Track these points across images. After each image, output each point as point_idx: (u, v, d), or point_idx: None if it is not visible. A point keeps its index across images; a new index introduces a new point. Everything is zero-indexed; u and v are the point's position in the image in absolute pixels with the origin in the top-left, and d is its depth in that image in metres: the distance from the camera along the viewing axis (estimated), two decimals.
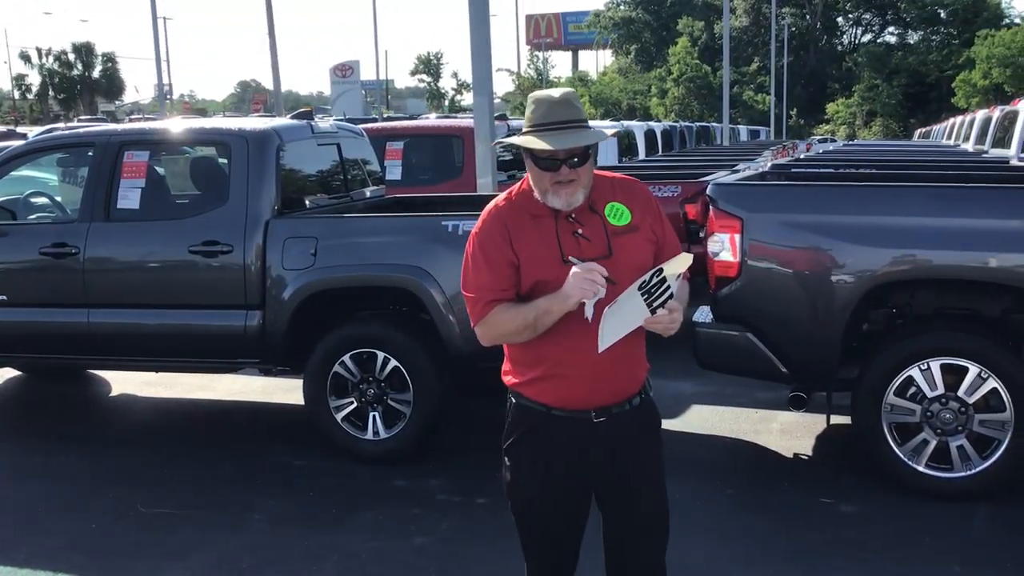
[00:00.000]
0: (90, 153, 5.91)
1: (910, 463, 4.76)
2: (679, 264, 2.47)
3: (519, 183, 2.71)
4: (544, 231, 2.58)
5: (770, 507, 4.74)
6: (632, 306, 2.46)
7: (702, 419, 6.11)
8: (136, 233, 5.76)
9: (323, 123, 6.49)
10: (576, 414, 2.64)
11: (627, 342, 2.56)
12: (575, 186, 2.56)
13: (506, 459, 2.78)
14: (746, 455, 5.60)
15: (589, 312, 2.50)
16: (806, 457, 5.48)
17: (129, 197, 5.75)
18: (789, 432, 5.80)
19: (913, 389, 4.73)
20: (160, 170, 6.30)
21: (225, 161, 5.73)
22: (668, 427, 5.94)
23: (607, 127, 13.68)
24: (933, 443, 4.72)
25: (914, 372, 4.71)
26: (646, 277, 2.45)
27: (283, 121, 6.28)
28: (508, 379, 2.75)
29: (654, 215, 2.70)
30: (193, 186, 6.25)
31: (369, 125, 10.33)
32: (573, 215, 2.59)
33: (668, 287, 2.45)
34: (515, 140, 2.57)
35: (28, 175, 7.42)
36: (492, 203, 2.71)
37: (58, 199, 6.76)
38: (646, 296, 2.45)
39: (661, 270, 2.45)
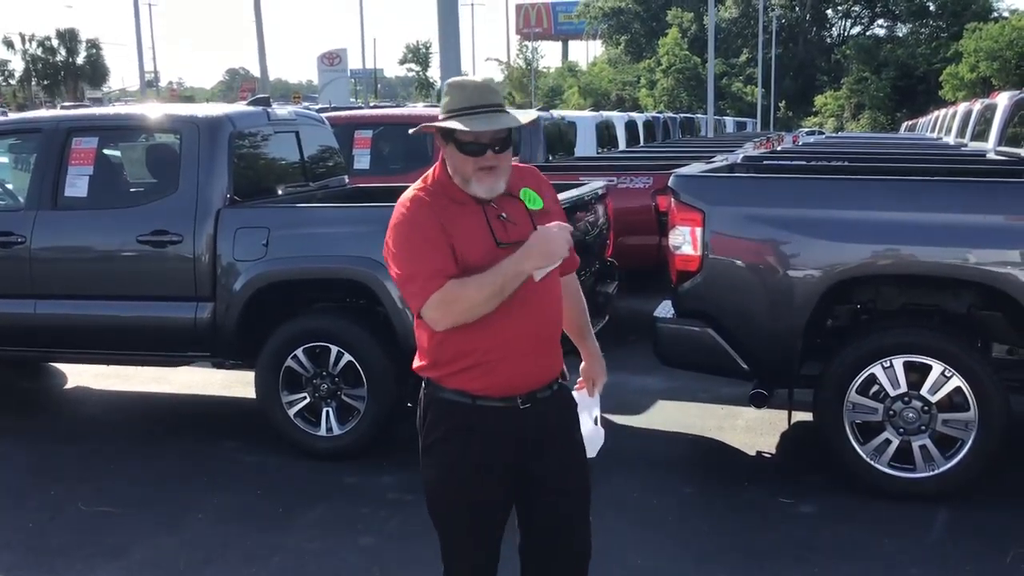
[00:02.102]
0: (37, 139, 5.74)
1: (872, 463, 4.64)
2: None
3: (430, 172, 2.61)
4: (472, 216, 2.53)
5: (728, 506, 4.63)
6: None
7: (666, 415, 6.00)
8: (84, 222, 5.60)
9: (281, 110, 6.32)
10: (502, 402, 2.57)
11: (554, 323, 2.66)
12: (497, 173, 2.51)
13: (428, 459, 2.66)
14: (709, 452, 5.49)
15: (539, 276, 2.49)
16: (769, 455, 5.37)
17: (77, 185, 5.58)
18: (753, 429, 5.69)
19: (876, 387, 4.62)
20: (110, 157, 6.13)
21: (176, 148, 5.57)
22: (632, 423, 5.86)
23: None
24: (896, 442, 4.61)
25: (876, 370, 4.60)
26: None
27: (237, 107, 6.11)
28: (426, 372, 2.64)
29: (555, 199, 2.76)
30: (146, 174, 6.08)
31: (336, 113, 10.17)
32: (494, 201, 2.55)
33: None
34: (442, 124, 2.49)
35: None
36: (410, 192, 2.60)
37: (9, 186, 6.58)
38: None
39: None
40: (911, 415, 4.58)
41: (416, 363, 2.67)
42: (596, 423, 2.90)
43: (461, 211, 2.53)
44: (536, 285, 2.50)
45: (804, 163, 7.05)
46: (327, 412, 5.25)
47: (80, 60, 76.61)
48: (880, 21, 60.32)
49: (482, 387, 2.56)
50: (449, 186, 2.55)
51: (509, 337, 2.52)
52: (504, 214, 2.56)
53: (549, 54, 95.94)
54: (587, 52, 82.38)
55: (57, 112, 6.41)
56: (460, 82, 2.56)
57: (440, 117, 2.52)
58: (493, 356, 2.53)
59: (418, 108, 12.88)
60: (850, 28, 61.98)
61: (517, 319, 2.50)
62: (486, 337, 2.52)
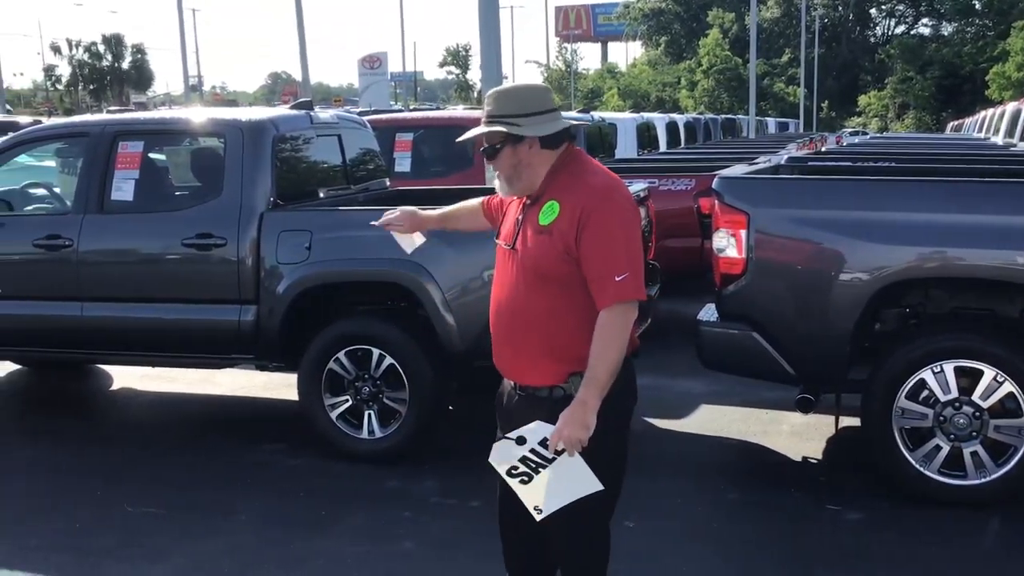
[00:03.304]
0: (84, 143, 5.80)
1: (922, 469, 4.56)
2: (508, 453, 2.62)
3: None
4: (508, 205, 2.90)
5: (774, 512, 4.57)
6: (557, 471, 2.58)
7: (709, 420, 5.93)
8: (130, 225, 5.66)
9: (323, 113, 6.34)
10: (508, 384, 2.83)
11: (538, 327, 2.66)
12: (504, 178, 2.73)
13: None
14: (753, 457, 5.43)
15: (405, 246, 3.27)
16: (815, 461, 5.29)
17: (123, 188, 5.64)
18: (799, 434, 5.61)
19: (925, 392, 4.53)
20: (156, 161, 6.19)
21: (220, 152, 5.61)
22: (674, 428, 5.81)
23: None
24: (946, 449, 4.52)
25: (927, 375, 4.51)
26: (521, 467, 2.62)
27: (280, 111, 6.14)
28: None
29: (579, 228, 2.56)
30: (190, 177, 6.13)
31: (377, 116, 10.20)
32: (529, 201, 2.74)
33: (531, 456, 2.60)
34: (464, 136, 2.85)
35: (33, 164, 7.38)
36: None
37: (56, 190, 6.67)
38: (542, 466, 2.59)
39: (503, 472, 2.66)
40: (962, 421, 4.48)
41: None
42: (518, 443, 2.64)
43: (509, 203, 2.90)
44: (510, 288, 2.71)
45: (850, 164, 6.93)
46: (369, 415, 5.25)
47: (126, 65, 77.89)
48: (925, 20, 59.42)
49: (496, 365, 2.85)
50: None
51: (496, 316, 2.78)
52: (520, 216, 2.75)
53: (588, 56, 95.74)
54: (627, 54, 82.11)
55: (103, 116, 6.49)
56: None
57: None
58: (492, 336, 2.81)
59: (458, 111, 12.87)
60: (894, 27, 61.14)
61: (497, 309, 2.77)
62: (490, 314, 2.83)
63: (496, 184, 2.79)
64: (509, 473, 2.65)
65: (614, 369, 2.55)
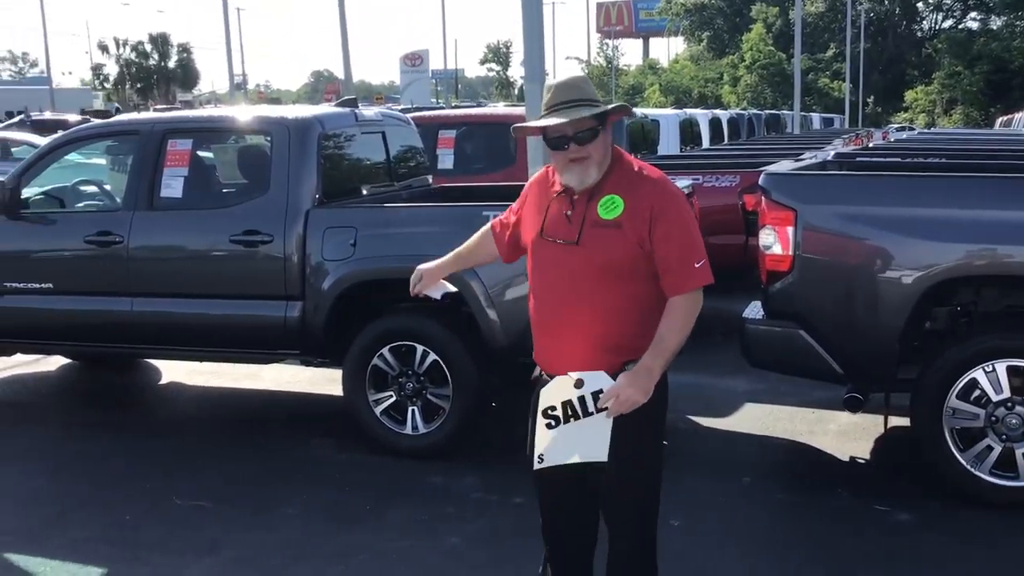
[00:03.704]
0: (134, 141, 5.89)
1: (973, 470, 4.49)
2: (558, 392, 2.64)
3: None
4: (542, 204, 2.83)
5: (820, 513, 4.52)
6: (582, 429, 2.63)
7: (754, 419, 5.88)
8: (178, 222, 5.73)
9: (368, 111, 6.38)
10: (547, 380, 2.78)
11: (602, 309, 2.67)
12: (588, 163, 2.67)
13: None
14: (799, 457, 5.37)
15: (436, 294, 3.23)
16: (863, 461, 5.22)
17: (172, 186, 5.71)
18: (846, 434, 5.54)
19: (977, 392, 4.47)
20: (204, 158, 6.26)
21: (267, 150, 5.66)
22: (718, 426, 5.77)
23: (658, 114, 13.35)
24: (998, 449, 4.45)
25: (978, 374, 4.44)
26: (539, 403, 2.67)
27: (326, 109, 6.18)
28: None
29: (651, 222, 2.67)
30: (237, 175, 6.20)
31: (420, 114, 10.23)
32: (577, 196, 2.73)
33: (585, 401, 2.61)
34: (526, 124, 2.86)
35: (82, 162, 7.49)
36: (545, 167, 2.95)
37: (106, 187, 6.77)
38: (575, 416, 2.62)
39: (537, 398, 2.69)
40: (1014, 421, 4.41)
41: None
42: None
43: (539, 198, 2.86)
44: (568, 283, 2.70)
45: (899, 160, 6.84)
46: (413, 411, 5.28)
47: (172, 64, 78.87)
48: (973, 14, 58.32)
49: (539, 361, 2.86)
50: (553, 174, 2.84)
51: (546, 312, 2.77)
52: (569, 212, 2.73)
53: (630, 52, 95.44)
54: (668, 49, 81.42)
55: (152, 115, 6.57)
56: (549, 83, 2.79)
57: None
58: (537, 329, 2.82)
59: (499, 108, 12.88)
60: (941, 21, 60.09)
61: (548, 305, 2.76)
62: (534, 306, 2.83)
63: (572, 175, 2.70)
64: (544, 412, 2.67)
65: (679, 347, 2.69)
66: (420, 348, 5.21)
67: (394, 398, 5.31)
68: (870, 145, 11.18)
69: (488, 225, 3.20)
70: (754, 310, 5.06)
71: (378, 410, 5.32)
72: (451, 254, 3.30)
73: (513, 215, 3.04)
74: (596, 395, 2.62)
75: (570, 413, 2.64)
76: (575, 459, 2.69)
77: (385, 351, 5.27)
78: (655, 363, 2.64)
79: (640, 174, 2.74)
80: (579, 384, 2.62)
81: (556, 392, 2.66)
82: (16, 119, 26.34)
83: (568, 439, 2.67)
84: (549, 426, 2.67)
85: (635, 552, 2.89)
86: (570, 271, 2.68)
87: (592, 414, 2.62)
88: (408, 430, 5.29)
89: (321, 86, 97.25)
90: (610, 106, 2.74)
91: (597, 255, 2.66)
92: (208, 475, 5.14)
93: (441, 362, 5.17)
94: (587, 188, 2.72)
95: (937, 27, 59.63)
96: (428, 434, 5.26)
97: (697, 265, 2.69)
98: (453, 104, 42.39)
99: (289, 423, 6.13)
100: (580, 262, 2.67)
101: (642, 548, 2.89)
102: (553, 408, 2.66)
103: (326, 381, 6.70)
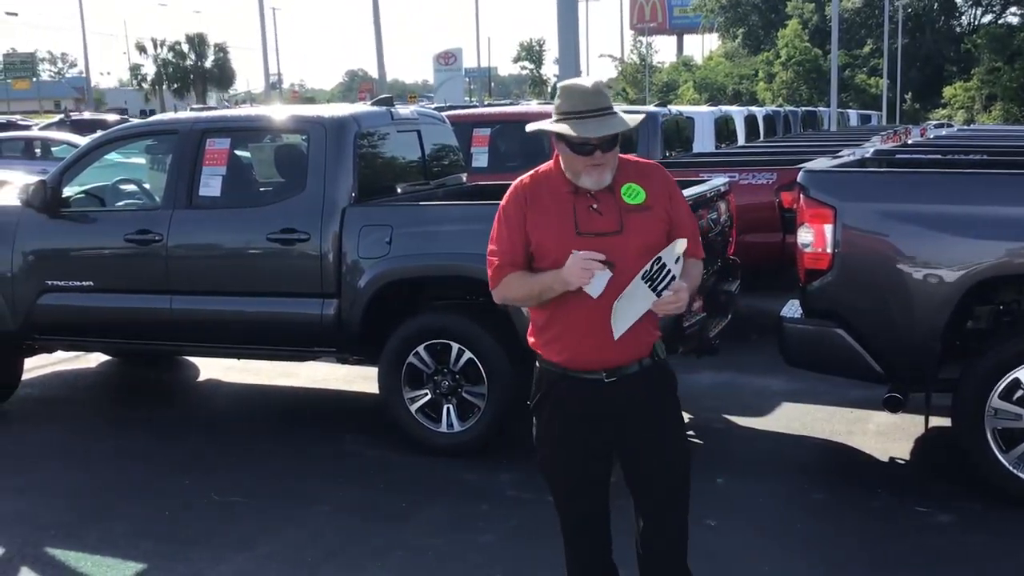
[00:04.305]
0: (174, 140, 5.94)
1: (1015, 471, 4.42)
2: (675, 249, 2.69)
3: (549, 162, 2.91)
4: (561, 205, 2.81)
5: (860, 513, 4.47)
6: (639, 293, 2.68)
7: (792, 418, 5.83)
8: (217, 220, 5.77)
9: (403, 109, 6.39)
10: (588, 375, 2.84)
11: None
12: (605, 168, 2.78)
13: (533, 417, 2.99)
14: (838, 457, 5.32)
15: (594, 292, 2.69)
16: (902, 461, 5.16)
17: (211, 184, 5.75)
18: (885, 434, 5.48)
19: (1020, 392, 4.39)
20: (241, 157, 6.31)
21: (304, 149, 5.69)
22: (755, 426, 5.73)
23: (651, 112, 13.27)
24: None
25: (1021, 374, 4.38)
26: (647, 267, 2.66)
27: (362, 108, 6.20)
28: (531, 340, 2.97)
29: (669, 197, 2.90)
30: (274, 173, 6.24)
31: (455, 112, 10.24)
32: (592, 192, 2.79)
33: (669, 271, 2.68)
34: (553, 127, 2.76)
35: (121, 161, 7.57)
36: (518, 180, 2.93)
37: (146, 186, 6.84)
38: (650, 283, 2.68)
39: (660, 258, 2.67)
40: None
41: (528, 331, 2.99)
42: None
43: (554, 201, 2.82)
44: (616, 271, 2.69)
45: (939, 157, 6.74)
46: (448, 409, 5.29)
47: (209, 64, 79.63)
48: (1013, 8, 57.36)
49: (569, 359, 2.85)
50: (555, 177, 2.85)
51: (591, 315, 2.74)
52: (595, 205, 2.80)
53: (663, 49, 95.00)
54: (702, 46, 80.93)
55: (191, 114, 6.63)
56: (571, 86, 2.81)
57: (553, 119, 2.78)
58: (575, 331, 2.81)
59: (533, 106, 12.87)
60: (980, 16, 59.19)
61: (595, 300, 2.71)
62: (572, 312, 2.79)
63: (590, 178, 2.75)
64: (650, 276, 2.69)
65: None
66: (455, 346, 5.22)
67: (429, 396, 5.32)
68: (909, 142, 11.06)
69: (508, 276, 2.88)
70: (792, 309, 5.01)
71: (413, 408, 5.34)
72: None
73: (520, 240, 2.85)
74: (664, 273, 2.69)
75: (656, 269, 2.68)
76: (626, 317, 2.72)
77: (420, 349, 5.28)
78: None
79: (636, 163, 2.95)
80: (657, 262, 2.68)
81: (670, 251, 2.71)
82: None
83: (633, 295, 2.70)
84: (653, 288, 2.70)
85: (679, 544, 2.95)
86: (613, 260, 2.70)
87: (662, 279, 2.69)
88: (443, 428, 5.30)
89: (355, 85, 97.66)
90: (640, 118, 2.91)
91: (638, 239, 2.78)
92: (244, 472, 5.18)
93: (476, 360, 5.18)
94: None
95: (976, 22, 58.77)
96: (463, 432, 5.27)
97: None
98: (487, 102, 42.44)
99: (325, 421, 6.17)
100: (622, 249, 2.74)
101: (683, 539, 2.95)
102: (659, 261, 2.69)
103: (361, 379, 6.73)
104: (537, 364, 2.96)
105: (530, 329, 2.96)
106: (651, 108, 11.79)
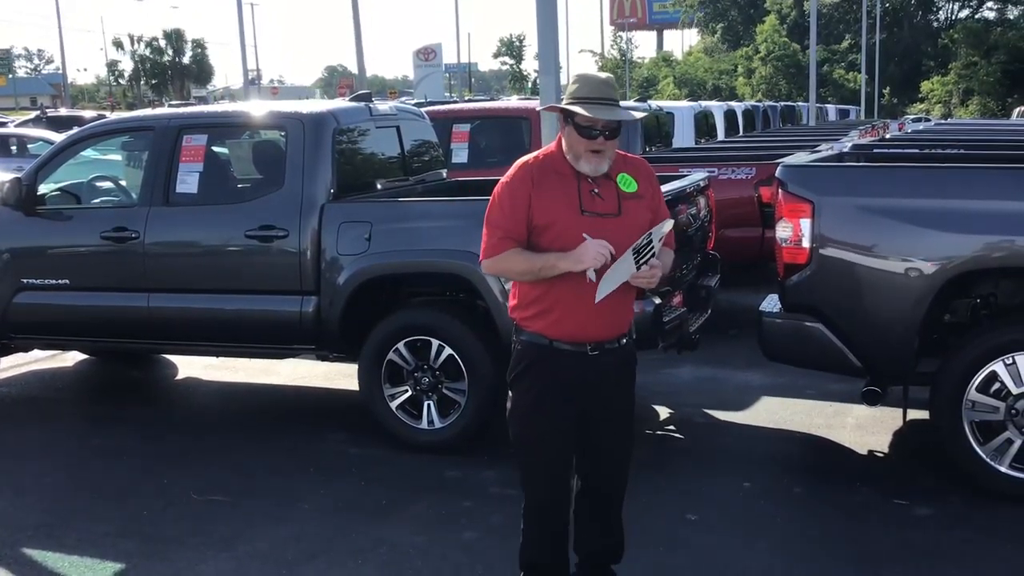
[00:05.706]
0: (150, 137, 5.89)
1: (992, 463, 4.45)
2: (663, 229, 3.01)
3: (551, 145, 3.22)
4: (567, 186, 3.09)
5: (839, 507, 4.49)
6: (625, 265, 2.98)
7: (771, 412, 5.86)
8: (194, 218, 5.74)
9: (382, 105, 6.37)
10: (575, 347, 3.13)
11: (621, 288, 3.04)
12: (603, 156, 3.07)
13: (510, 390, 3.26)
14: (817, 451, 5.35)
15: (592, 275, 3.00)
16: (881, 455, 5.19)
17: (187, 181, 5.72)
18: (864, 427, 5.51)
19: (997, 385, 4.43)
20: (219, 154, 6.26)
21: (282, 145, 5.66)
22: (735, 420, 5.75)
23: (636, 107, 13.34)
24: (1018, 443, 4.42)
25: (998, 367, 4.41)
26: (639, 240, 2.95)
27: (340, 103, 6.18)
28: (515, 314, 3.21)
29: (654, 189, 3.26)
30: (252, 170, 6.20)
31: (434, 108, 10.21)
32: (591, 178, 3.09)
33: (652, 247, 2.98)
34: (570, 107, 3.02)
35: (98, 158, 7.50)
36: (523, 159, 3.18)
37: (122, 183, 6.79)
38: (636, 255, 2.97)
39: (650, 234, 2.97)
40: None
41: (509, 305, 3.26)
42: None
43: (559, 181, 3.10)
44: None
45: (916, 151, 6.78)
46: (428, 405, 5.27)
47: (186, 60, 79.14)
48: (989, 3, 57.78)
49: (557, 333, 3.12)
50: (558, 159, 3.13)
51: (582, 292, 3.03)
52: (596, 190, 3.09)
53: (643, 44, 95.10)
54: (682, 41, 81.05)
55: (168, 111, 6.58)
56: (587, 75, 3.12)
57: (564, 102, 3.05)
58: (567, 306, 3.08)
59: (512, 101, 12.85)
60: (958, 11, 59.58)
61: (586, 278, 3.01)
62: (565, 288, 3.06)
63: (588, 164, 3.07)
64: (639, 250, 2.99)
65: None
66: (435, 342, 5.21)
67: (410, 393, 5.30)
68: (887, 136, 11.13)
69: (509, 250, 3.10)
70: (771, 303, 5.03)
71: (394, 405, 5.32)
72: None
73: (523, 217, 3.09)
74: (649, 249, 2.99)
75: (644, 243, 2.97)
76: (610, 284, 3.02)
77: (400, 346, 5.27)
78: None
79: (626, 156, 3.25)
80: (647, 238, 3.00)
81: (658, 229, 3.02)
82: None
83: (619, 266, 3.00)
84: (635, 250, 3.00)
85: (620, 500, 3.43)
86: (610, 240, 2.99)
87: (647, 254, 2.99)
88: (424, 424, 5.29)
89: (335, 81, 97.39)
90: (643, 114, 3.17)
91: (633, 220, 3.09)
92: (224, 470, 5.15)
93: (456, 356, 5.17)
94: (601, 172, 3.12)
95: (953, 17, 59.17)
96: (444, 428, 5.26)
97: None
98: (467, 98, 42.40)
99: (304, 418, 6.14)
100: (617, 230, 3.03)
101: (623, 490, 3.43)
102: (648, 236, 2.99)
103: (341, 376, 6.72)
104: (518, 338, 3.20)
105: (513, 303, 3.20)
106: (631, 103, 11.79)
